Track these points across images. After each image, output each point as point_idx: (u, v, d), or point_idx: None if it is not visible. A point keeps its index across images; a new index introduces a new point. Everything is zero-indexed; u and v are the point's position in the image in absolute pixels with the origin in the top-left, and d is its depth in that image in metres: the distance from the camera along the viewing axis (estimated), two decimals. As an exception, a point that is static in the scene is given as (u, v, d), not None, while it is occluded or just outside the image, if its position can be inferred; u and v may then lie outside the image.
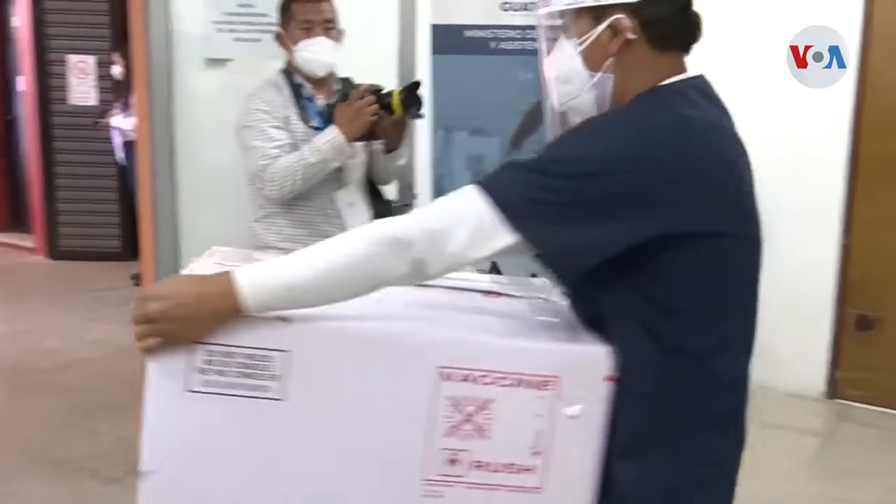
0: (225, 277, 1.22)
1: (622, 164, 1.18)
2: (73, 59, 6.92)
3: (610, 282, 1.26)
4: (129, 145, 6.09)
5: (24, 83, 7.28)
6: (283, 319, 1.25)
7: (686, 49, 1.32)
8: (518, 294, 1.53)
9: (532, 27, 1.49)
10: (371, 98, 2.47)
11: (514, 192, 1.20)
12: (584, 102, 1.32)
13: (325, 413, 1.28)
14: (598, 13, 1.28)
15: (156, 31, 2.91)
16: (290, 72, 2.63)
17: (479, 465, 1.30)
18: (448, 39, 3.04)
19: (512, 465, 1.30)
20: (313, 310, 1.25)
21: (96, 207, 7.04)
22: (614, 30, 1.27)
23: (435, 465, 1.29)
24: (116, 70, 6.46)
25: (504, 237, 1.20)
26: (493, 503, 1.31)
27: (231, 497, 1.29)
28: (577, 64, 1.31)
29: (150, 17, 2.85)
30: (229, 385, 1.25)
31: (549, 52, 1.37)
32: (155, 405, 1.26)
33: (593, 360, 1.28)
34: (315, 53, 2.58)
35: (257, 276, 1.22)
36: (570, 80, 1.32)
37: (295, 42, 2.58)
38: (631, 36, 1.27)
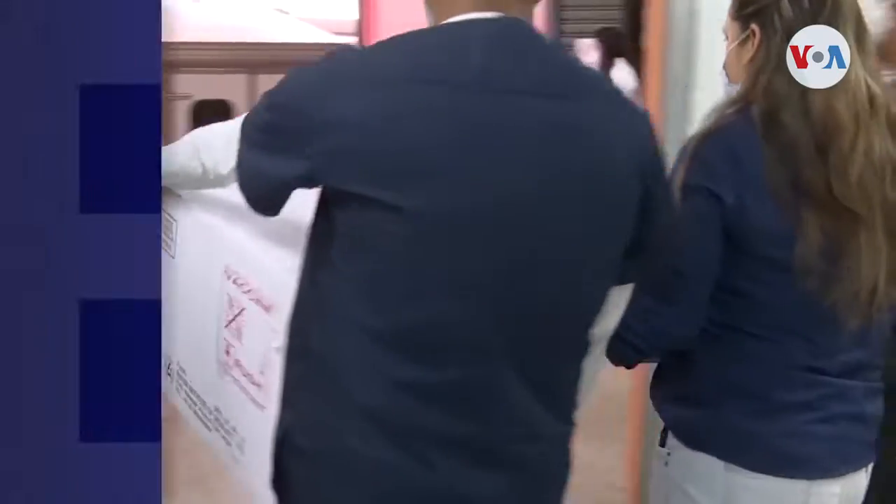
0: None
1: (291, 100, 1.14)
2: (582, 43, 7.16)
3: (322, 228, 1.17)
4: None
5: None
6: (178, 195, 1.51)
7: None
8: None
9: None
10: None
11: (249, 116, 1.21)
12: None
13: (188, 275, 1.50)
14: None
15: (679, 9, 2.74)
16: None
17: (237, 364, 1.38)
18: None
19: (252, 376, 1.36)
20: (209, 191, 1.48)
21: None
22: None
23: (221, 348, 1.42)
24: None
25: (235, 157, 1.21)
26: (244, 406, 1.37)
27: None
28: None
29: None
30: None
31: None
32: None
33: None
34: None
35: None
36: None
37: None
38: None
